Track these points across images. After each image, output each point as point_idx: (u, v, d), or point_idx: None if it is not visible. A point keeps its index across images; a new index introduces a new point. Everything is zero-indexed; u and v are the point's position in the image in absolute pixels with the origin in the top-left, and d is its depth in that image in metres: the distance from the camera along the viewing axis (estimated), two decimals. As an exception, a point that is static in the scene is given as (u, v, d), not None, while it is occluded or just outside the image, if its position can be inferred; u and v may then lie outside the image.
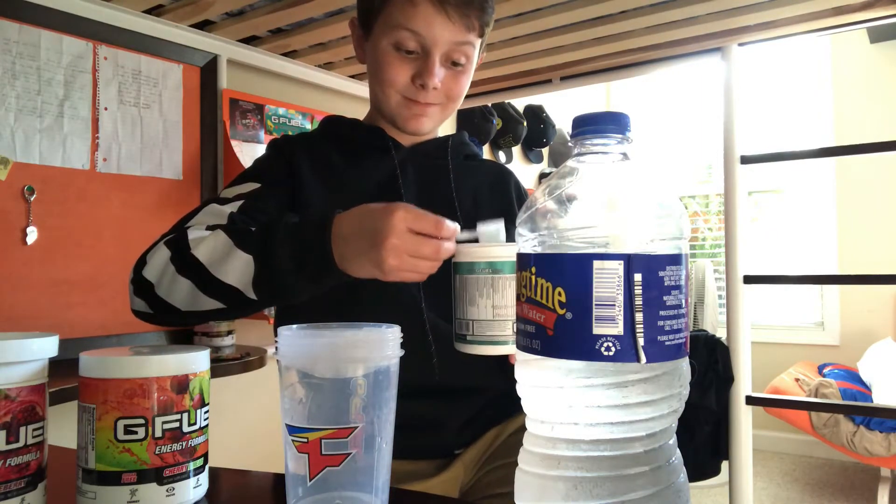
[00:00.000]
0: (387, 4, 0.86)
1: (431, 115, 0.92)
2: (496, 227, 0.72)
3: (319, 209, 0.89)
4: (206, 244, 0.75)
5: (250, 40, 1.96)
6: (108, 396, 0.52)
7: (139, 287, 0.78)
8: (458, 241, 0.69)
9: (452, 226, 0.67)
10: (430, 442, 0.91)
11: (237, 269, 0.72)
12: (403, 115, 0.92)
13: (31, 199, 1.53)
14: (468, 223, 0.96)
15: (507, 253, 0.69)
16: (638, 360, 0.43)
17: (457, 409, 0.92)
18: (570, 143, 0.50)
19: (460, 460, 0.92)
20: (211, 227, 0.80)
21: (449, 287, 0.72)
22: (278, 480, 0.65)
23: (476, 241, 0.72)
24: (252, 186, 0.89)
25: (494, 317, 0.69)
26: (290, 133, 2.11)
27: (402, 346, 0.56)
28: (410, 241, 0.65)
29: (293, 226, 0.72)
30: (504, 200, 1.03)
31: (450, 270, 0.72)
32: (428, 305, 0.90)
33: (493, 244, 0.70)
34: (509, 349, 0.70)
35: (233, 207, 0.85)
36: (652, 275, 0.44)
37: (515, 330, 0.68)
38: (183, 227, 0.83)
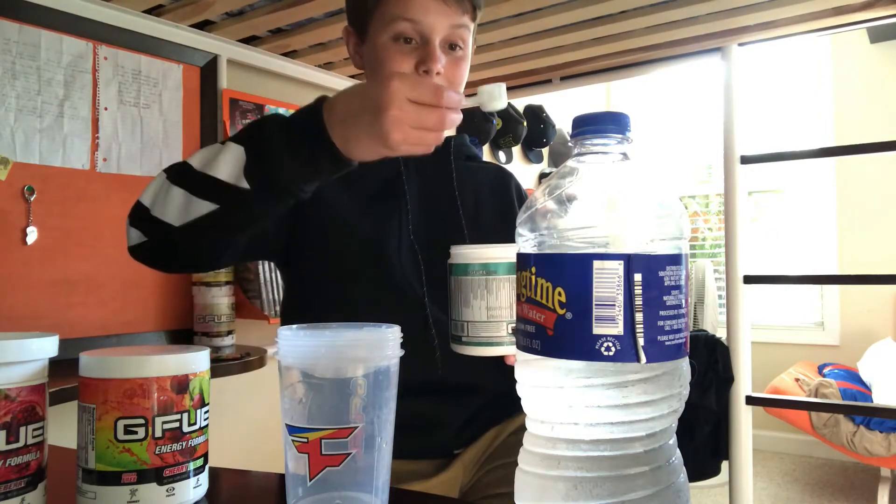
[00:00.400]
0: (381, 2, 0.87)
1: None
2: (498, 88, 0.70)
3: (325, 200, 0.89)
4: (201, 151, 0.73)
5: (250, 40, 1.96)
6: (108, 396, 0.52)
7: (134, 215, 0.75)
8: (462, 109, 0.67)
9: (455, 95, 0.64)
10: (430, 442, 0.91)
11: (228, 162, 0.68)
12: None
13: (31, 199, 1.53)
14: (470, 223, 0.96)
15: (501, 254, 0.70)
16: (638, 360, 0.43)
17: (457, 408, 0.92)
18: (570, 143, 0.50)
19: (460, 460, 0.92)
20: None
21: None
22: (278, 480, 0.65)
23: (477, 107, 0.71)
24: None
25: (489, 318, 0.70)
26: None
27: (404, 340, 0.56)
28: (413, 112, 0.62)
29: (283, 116, 0.69)
30: (504, 202, 1.03)
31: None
32: (430, 299, 0.90)
33: (488, 246, 0.70)
34: (505, 350, 0.71)
35: None
36: (652, 275, 0.44)
37: (512, 330, 0.69)
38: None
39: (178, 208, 0.70)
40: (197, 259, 0.79)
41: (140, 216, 0.74)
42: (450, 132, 1.04)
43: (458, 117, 0.65)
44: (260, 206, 0.70)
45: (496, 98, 0.70)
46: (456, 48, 0.89)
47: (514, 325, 0.70)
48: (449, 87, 0.88)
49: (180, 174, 0.72)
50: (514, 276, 0.68)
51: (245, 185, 0.67)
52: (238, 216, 0.71)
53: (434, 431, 0.91)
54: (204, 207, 0.69)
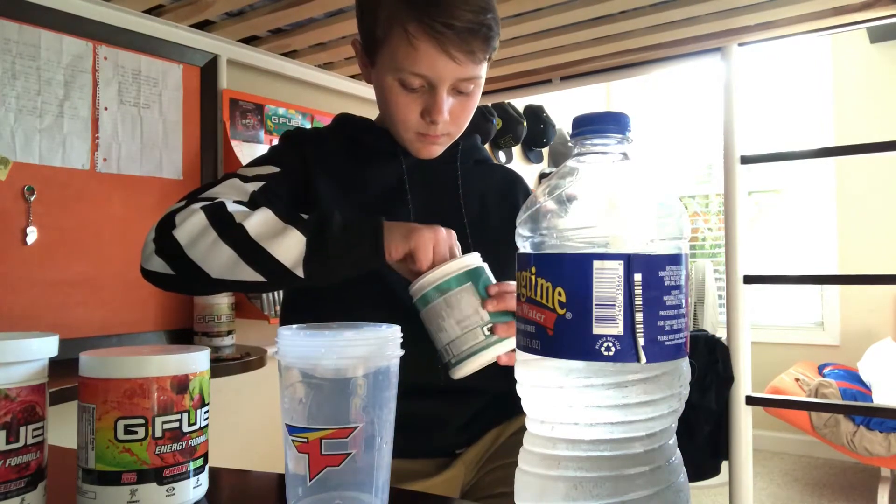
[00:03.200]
0: (388, 40, 0.84)
1: (443, 143, 0.94)
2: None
3: (330, 209, 0.90)
4: (256, 217, 0.76)
5: (250, 40, 1.96)
6: (108, 396, 0.52)
7: (164, 248, 0.76)
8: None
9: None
10: (431, 441, 0.91)
11: (290, 248, 0.73)
12: (416, 147, 0.93)
13: (31, 199, 1.53)
14: (475, 228, 0.96)
15: (447, 271, 0.73)
16: (638, 360, 0.43)
17: (458, 408, 0.92)
18: (570, 143, 0.50)
19: (461, 460, 0.92)
20: (238, 202, 0.81)
21: None
22: (278, 480, 0.65)
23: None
24: (271, 169, 0.90)
25: (463, 330, 0.72)
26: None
27: (405, 345, 0.56)
28: (442, 239, 0.75)
29: (345, 217, 0.77)
30: (511, 205, 1.02)
31: None
32: None
33: (432, 271, 0.73)
34: (492, 351, 0.72)
35: (254, 186, 0.86)
36: (652, 275, 0.44)
37: (489, 331, 0.71)
38: (203, 196, 0.83)
39: (224, 265, 0.75)
40: (216, 293, 0.86)
41: (171, 250, 0.76)
42: (455, 136, 1.04)
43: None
44: (303, 285, 0.76)
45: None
46: (465, 91, 0.88)
47: (488, 325, 0.71)
48: (452, 128, 0.91)
49: (232, 233, 0.75)
50: (468, 283, 0.72)
51: (300, 273, 0.74)
52: (280, 286, 0.79)
53: (435, 431, 0.91)
54: (251, 275, 0.75)
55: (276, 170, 0.90)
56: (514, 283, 0.72)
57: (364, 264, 0.76)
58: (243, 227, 0.75)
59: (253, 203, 0.82)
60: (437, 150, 0.94)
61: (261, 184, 0.86)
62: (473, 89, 0.89)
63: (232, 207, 0.78)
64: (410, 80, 0.84)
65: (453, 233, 0.78)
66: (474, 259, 0.75)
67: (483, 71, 0.88)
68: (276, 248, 0.73)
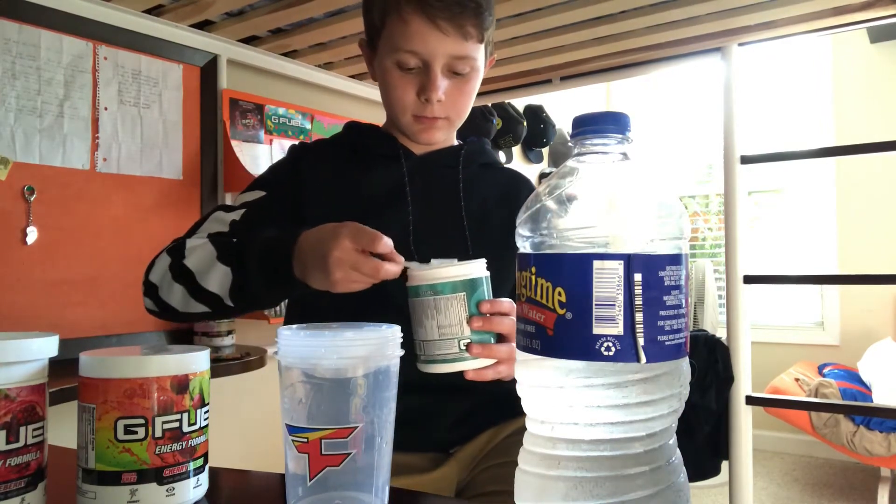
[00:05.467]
0: (385, 24, 0.88)
1: (440, 126, 0.94)
2: (447, 264, 0.75)
3: (307, 224, 0.92)
4: (196, 254, 0.84)
5: (250, 40, 1.96)
6: (108, 396, 0.52)
7: (147, 288, 0.88)
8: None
9: (387, 242, 0.72)
10: (424, 435, 0.91)
11: (217, 280, 0.81)
12: (414, 130, 0.94)
13: (31, 199, 1.53)
14: (476, 233, 0.96)
15: (446, 274, 0.72)
16: (638, 360, 0.43)
17: (451, 404, 0.93)
18: (570, 143, 0.50)
19: (455, 458, 0.92)
20: (211, 235, 0.89)
21: None
22: (278, 480, 0.65)
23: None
24: (258, 195, 0.94)
25: (440, 336, 0.72)
26: (290, 133, 2.12)
27: (401, 339, 0.56)
28: (353, 257, 0.71)
29: (265, 242, 0.80)
30: (513, 209, 1.02)
31: None
32: None
33: (434, 267, 0.73)
34: (459, 366, 0.73)
35: (236, 215, 0.92)
36: (652, 275, 0.44)
37: (465, 346, 0.72)
38: (190, 234, 0.92)
39: (180, 301, 0.85)
40: (193, 322, 0.92)
41: (151, 292, 0.87)
42: (461, 137, 1.04)
43: (395, 270, 0.72)
44: (243, 312, 0.86)
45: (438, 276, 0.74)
46: (460, 73, 0.89)
47: (466, 341, 0.72)
48: (450, 111, 0.92)
49: (179, 273, 0.84)
50: (462, 293, 0.72)
51: (229, 302, 0.82)
52: (227, 316, 0.92)
53: (427, 425, 0.91)
54: (200, 308, 0.84)
55: (262, 194, 0.94)
56: (508, 301, 0.73)
57: (285, 291, 0.81)
58: (186, 266, 0.84)
59: (229, 232, 0.90)
60: (436, 134, 0.95)
61: (242, 211, 0.92)
62: (470, 73, 0.90)
63: (190, 244, 0.86)
64: (405, 58, 0.87)
65: (368, 230, 0.73)
66: (477, 269, 0.74)
67: (479, 53, 0.90)
68: (207, 283, 0.82)
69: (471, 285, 0.73)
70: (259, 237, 0.82)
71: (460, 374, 0.92)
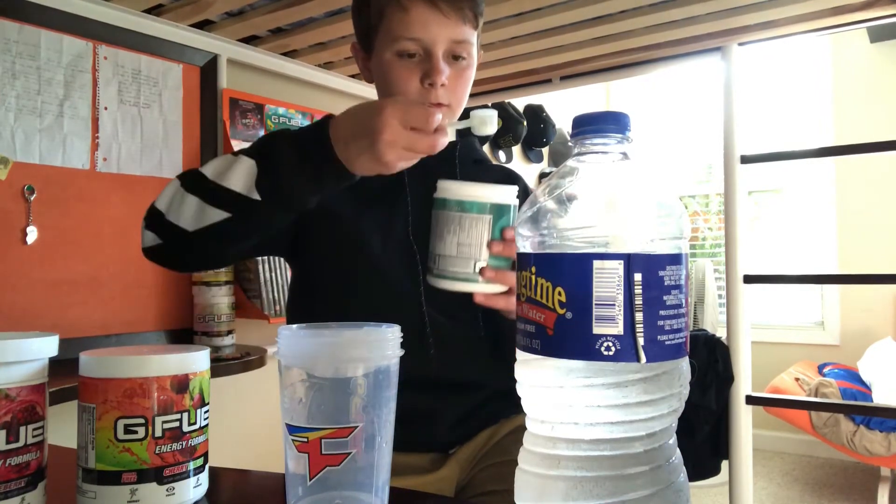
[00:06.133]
0: (383, 20, 0.89)
1: (443, 114, 0.94)
2: (489, 114, 0.74)
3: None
4: (213, 162, 0.79)
5: (250, 40, 1.96)
6: (108, 396, 0.52)
7: (150, 219, 0.80)
8: (453, 127, 0.73)
9: (438, 116, 0.70)
10: (424, 434, 0.91)
11: (241, 174, 0.74)
12: None
13: (31, 198, 1.53)
14: None
15: (477, 193, 0.71)
16: (638, 359, 0.43)
17: (451, 403, 0.93)
18: (570, 143, 0.50)
19: (455, 459, 0.93)
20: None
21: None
22: (278, 480, 0.65)
23: (468, 128, 0.76)
24: None
25: (458, 253, 0.72)
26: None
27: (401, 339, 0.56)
28: (404, 137, 0.68)
29: (292, 132, 0.75)
30: None
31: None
32: (427, 299, 0.92)
33: (466, 183, 0.72)
34: (470, 287, 0.72)
35: None
36: (652, 274, 0.44)
37: (480, 269, 0.71)
38: None
39: (193, 215, 0.76)
40: (208, 260, 0.86)
41: (155, 220, 0.79)
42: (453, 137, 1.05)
43: (445, 140, 0.70)
44: (268, 216, 0.76)
45: (487, 124, 0.75)
46: (459, 59, 0.90)
47: (482, 263, 0.71)
48: (451, 98, 0.91)
49: (194, 182, 0.78)
50: (488, 216, 0.71)
51: (256, 196, 0.73)
52: (248, 224, 0.77)
53: (426, 424, 0.91)
54: (217, 215, 0.75)
55: None
56: None
57: (322, 176, 0.73)
58: (202, 174, 0.77)
59: None
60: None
61: None
62: (468, 59, 0.91)
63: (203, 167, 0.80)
64: (407, 46, 0.87)
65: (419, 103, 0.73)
66: (507, 195, 0.74)
67: (475, 39, 0.92)
68: (228, 180, 0.75)
69: (498, 210, 0.72)
70: (280, 130, 0.77)
71: (461, 369, 0.92)
